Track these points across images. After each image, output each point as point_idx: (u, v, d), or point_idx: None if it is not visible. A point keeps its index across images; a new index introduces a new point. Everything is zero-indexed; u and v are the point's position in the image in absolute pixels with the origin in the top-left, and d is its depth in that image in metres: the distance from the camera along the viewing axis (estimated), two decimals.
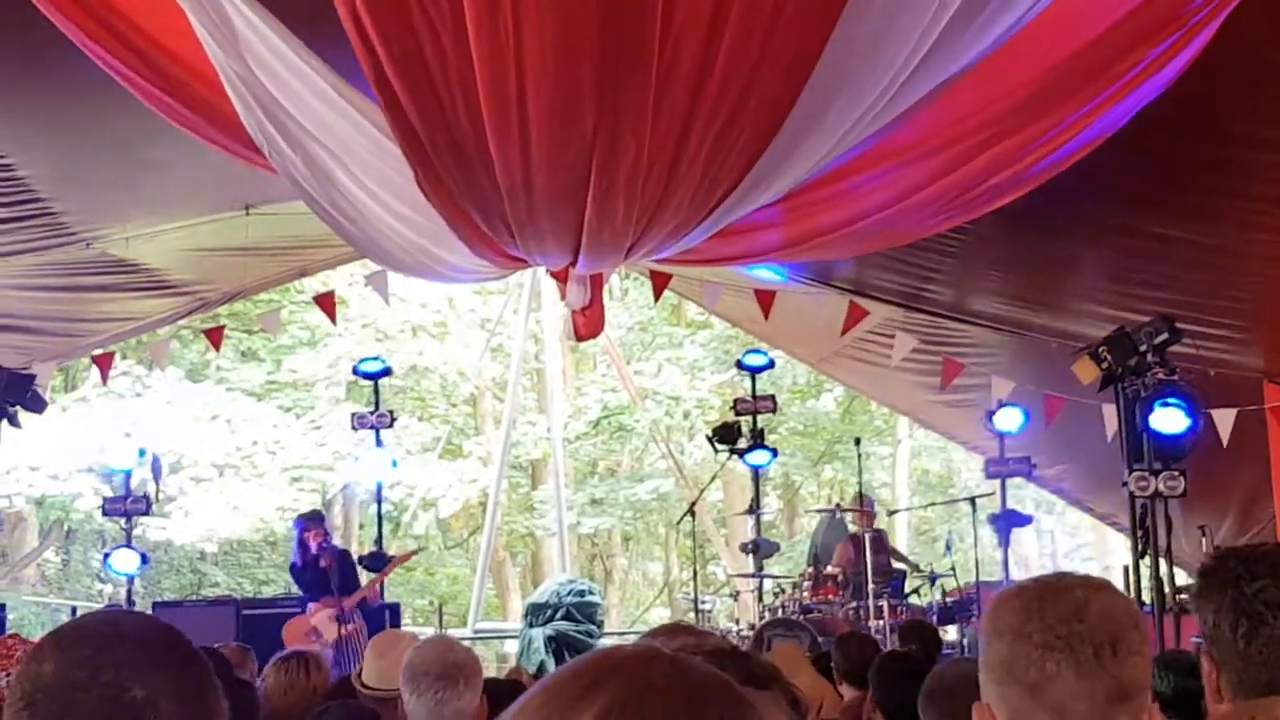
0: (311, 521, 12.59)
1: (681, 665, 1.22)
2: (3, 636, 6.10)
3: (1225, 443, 11.24)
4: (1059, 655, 2.07)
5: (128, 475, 13.44)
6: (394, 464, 15.44)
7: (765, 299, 12.36)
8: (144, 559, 13.58)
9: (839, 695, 6.97)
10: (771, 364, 15.39)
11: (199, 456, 23.06)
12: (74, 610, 17.07)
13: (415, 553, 14.00)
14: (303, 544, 12.21)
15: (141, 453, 13.46)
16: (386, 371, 14.86)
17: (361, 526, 26.64)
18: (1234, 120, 8.01)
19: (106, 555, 13.74)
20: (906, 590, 13.47)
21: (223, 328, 14.41)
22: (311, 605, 11.93)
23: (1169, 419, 10.88)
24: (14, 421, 12.18)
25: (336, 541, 18.04)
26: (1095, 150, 7.71)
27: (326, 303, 14.15)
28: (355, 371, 15.02)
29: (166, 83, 7.46)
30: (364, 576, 12.62)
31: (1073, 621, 2.08)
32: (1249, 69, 7.36)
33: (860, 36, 6.29)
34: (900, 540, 22.55)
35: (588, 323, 9.64)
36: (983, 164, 7.83)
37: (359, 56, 6.73)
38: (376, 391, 14.52)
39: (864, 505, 13.81)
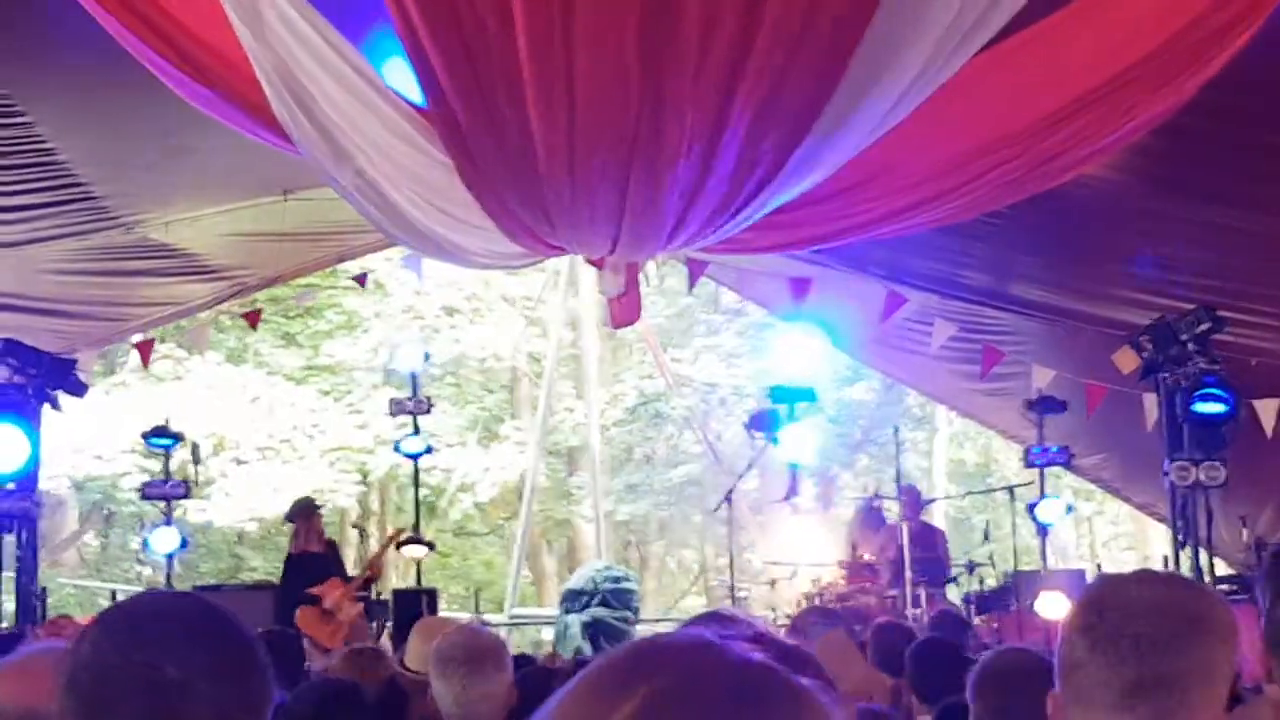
0: (309, 510, 12.82)
1: (729, 653, 1.19)
2: (54, 617, 6.16)
3: (1270, 433, 11.14)
4: (1086, 641, 2.11)
5: (168, 452, 13.54)
6: (430, 449, 15.46)
7: (799, 288, 12.31)
8: (184, 542, 13.67)
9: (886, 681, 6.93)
10: (811, 354, 15.32)
11: (240, 439, 23.20)
12: (113, 594, 17.17)
13: (399, 533, 14.07)
14: (305, 533, 12.46)
15: (176, 439, 13.55)
16: (424, 358, 14.99)
17: (400, 510, 26.75)
18: (1277, 102, 7.93)
19: (146, 538, 13.85)
20: (946, 580, 13.43)
21: (260, 310, 14.51)
22: (317, 591, 12.03)
23: (1210, 411, 10.80)
24: (55, 405, 12.26)
25: (372, 527, 18.12)
26: (1136, 135, 7.66)
27: (361, 280, 14.32)
28: (391, 365, 15.17)
29: (200, 72, 7.50)
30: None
31: (1105, 610, 2.12)
32: None
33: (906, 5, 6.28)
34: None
35: (624, 309, 9.66)
36: (1046, 149, 7.78)
37: (406, 49, 6.75)
38: (414, 376, 14.57)
39: (906, 495, 13.75)
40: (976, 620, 12.47)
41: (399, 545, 13.61)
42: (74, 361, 12.34)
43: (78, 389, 12.39)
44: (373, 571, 12.60)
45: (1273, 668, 2.39)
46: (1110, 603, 2.13)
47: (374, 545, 18.72)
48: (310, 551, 12.47)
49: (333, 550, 12.73)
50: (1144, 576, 2.21)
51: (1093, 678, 2.09)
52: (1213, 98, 7.33)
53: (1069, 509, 14.04)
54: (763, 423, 14.86)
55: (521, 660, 6.35)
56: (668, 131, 6.94)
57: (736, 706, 1.14)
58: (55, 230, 10.56)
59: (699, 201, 7.70)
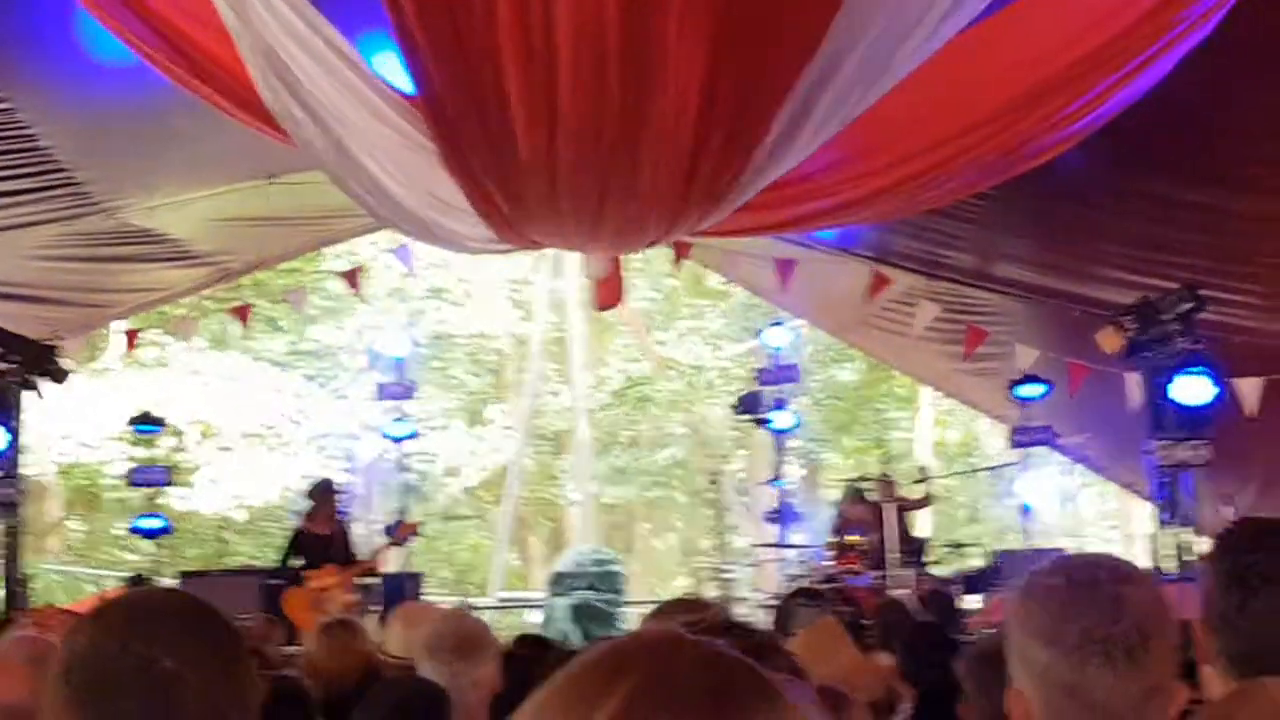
0: (328, 490, 12.69)
1: (705, 650, 1.21)
2: (40, 607, 6.19)
3: (1252, 412, 11.19)
4: (1097, 660, 2.10)
5: (153, 438, 13.57)
6: (415, 434, 15.48)
7: (785, 269, 12.33)
8: (167, 527, 13.66)
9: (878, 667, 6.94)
10: (796, 336, 15.40)
11: (225, 425, 23.16)
12: (98, 580, 17.18)
13: (416, 526, 13.92)
14: (317, 511, 12.31)
15: (161, 425, 13.55)
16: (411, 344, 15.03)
17: (386, 495, 26.73)
18: (1258, 85, 7.96)
19: (135, 525, 13.83)
20: (926, 560, 13.48)
21: (249, 306, 14.45)
22: (307, 573, 11.93)
23: (1192, 388, 10.84)
24: (37, 392, 12.23)
25: (358, 509, 18.02)
26: (1119, 115, 7.69)
27: (352, 278, 14.16)
28: (374, 354, 15.18)
29: (191, 64, 7.52)
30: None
31: (1108, 624, 2.11)
32: (1273, 33, 7.31)
33: None
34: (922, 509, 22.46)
35: (608, 292, 9.70)
36: (1023, 129, 7.83)
37: (396, 37, 6.75)
38: (400, 361, 14.59)
39: (886, 480, 13.82)
40: (965, 600, 12.49)
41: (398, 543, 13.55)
42: (55, 348, 12.31)
43: (59, 376, 12.36)
44: (372, 565, 12.49)
45: (1209, 648, 2.42)
46: (1093, 615, 2.12)
47: (359, 529, 18.66)
48: (316, 533, 12.33)
49: (341, 535, 12.52)
50: (1108, 575, 2.17)
51: (1106, 688, 2.10)
52: (1194, 76, 7.35)
53: (1055, 488, 14.08)
54: (749, 405, 14.90)
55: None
56: (649, 128, 6.95)
57: (712, 699, 1.17)
58: (37, 216, 10.52)
59: (680, 195, 7.72)
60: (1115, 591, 2.13)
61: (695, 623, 2.32)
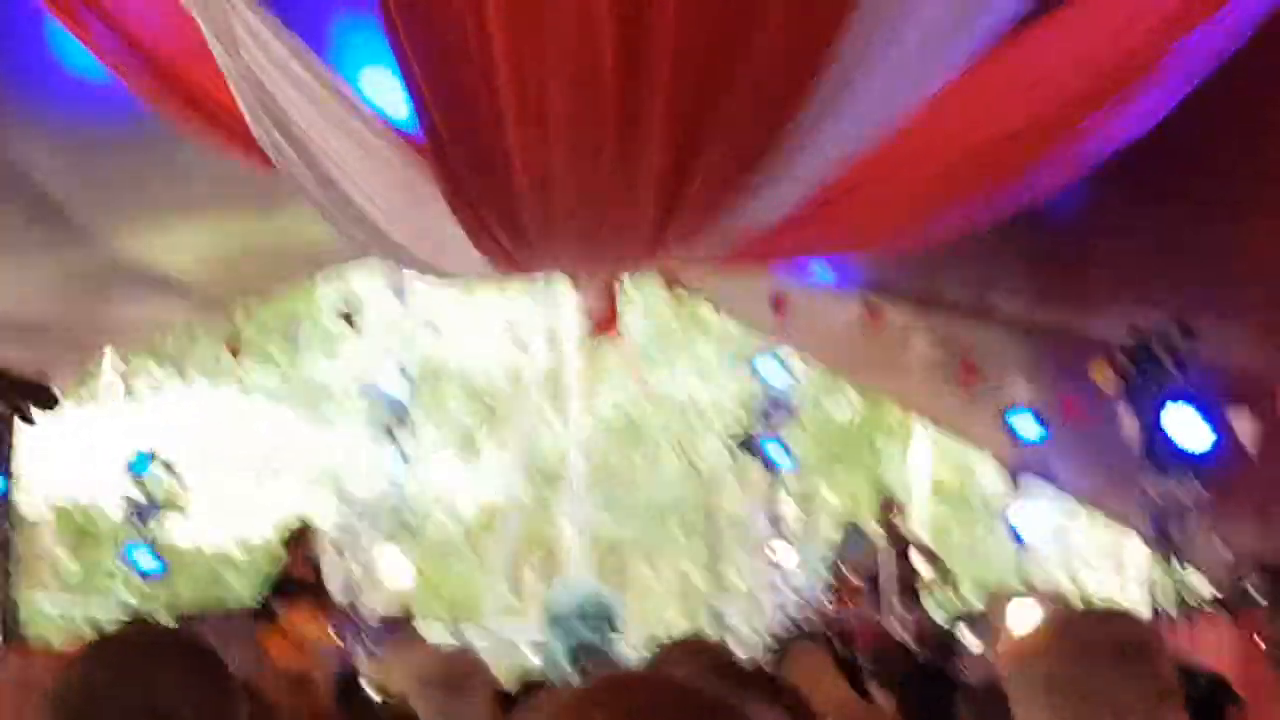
0: (302, 536, 12.68)
1: (686, 691, 1.22)
2: (29, 644, 6.15)
3: (1249, 449, 11.14)
4: (1105, 660, 2.10)
5: (146, 475, 13.54)
6: (407, 459, 15.48)
7: (779, 303, 12.34)
8: (162, 566, 13.63)
9: (866, 702, 6.89)
10: (790, 369, 15.39)
11: (219, 459, 23.11)
12: (92, 616, 17.10)
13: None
14: (295, 558, 12.29)
15: (147, 460, 13.52)
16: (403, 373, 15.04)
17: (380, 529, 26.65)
18: (1258, 117, 7.97)
19: (127, 556, 13.78)
20: (925, 597, 13.44)
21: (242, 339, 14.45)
22: (289, 613, 11.83)
23: (1185, 423, 10.82)
24: (26, 419, 12.16)
25: (349, 545, 17.99)
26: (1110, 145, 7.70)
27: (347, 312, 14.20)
28: (368, 387, 15.19)
29: (180, 97, 7.53)
30: None
31: (1101, 627, 2.15)
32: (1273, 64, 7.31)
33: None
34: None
35: (603, 319, 9.72)
36: (1016, 165, 7.84)
37: (396, 61, 6.75)
38: (393, 395, 14.58)
39: (886, 510, 13.79)
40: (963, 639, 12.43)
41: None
42: (48, 380, 12.26)
43: (50, 402, 12.32)
44: (352, 610, 12.42)
45: (1276, 686, 2.43)
46: (1087, 628, 2.17)
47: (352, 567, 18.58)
48: (298, 576, 12.27)
49: (318, 577, 12.43)
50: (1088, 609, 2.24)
51: (1118, 692, 2.10)
52: (1194, 104, 7.35)
53: (1049, 522, 14.05)
54: (748, 441, 14.90)
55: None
56: (643, 143, 6.94)
57: None
58: (24, 247, 10.48)
59: (675, 216, 7.71)
60: (1101, 612, 2.25)
61: (697, 664, 2.29)
